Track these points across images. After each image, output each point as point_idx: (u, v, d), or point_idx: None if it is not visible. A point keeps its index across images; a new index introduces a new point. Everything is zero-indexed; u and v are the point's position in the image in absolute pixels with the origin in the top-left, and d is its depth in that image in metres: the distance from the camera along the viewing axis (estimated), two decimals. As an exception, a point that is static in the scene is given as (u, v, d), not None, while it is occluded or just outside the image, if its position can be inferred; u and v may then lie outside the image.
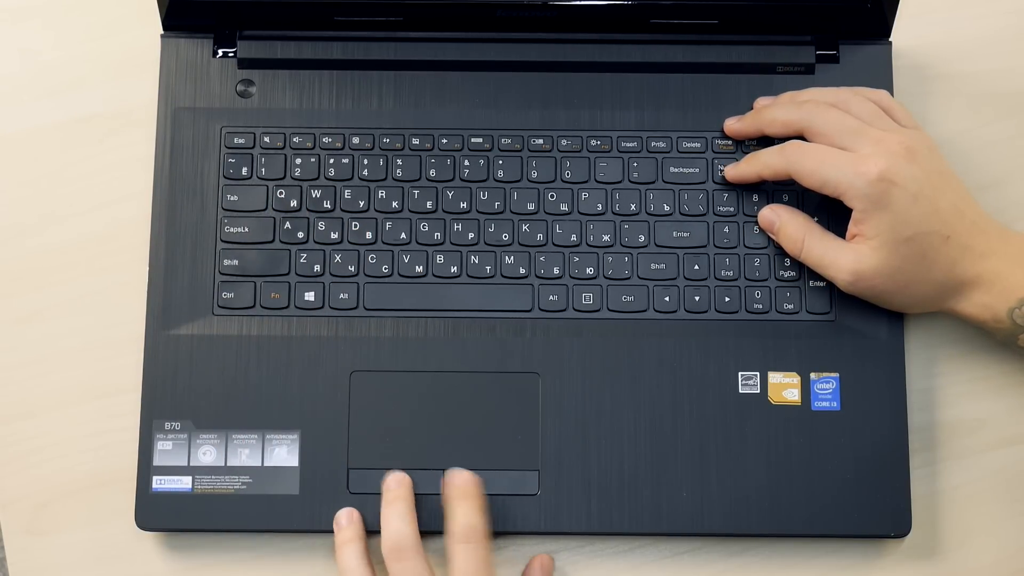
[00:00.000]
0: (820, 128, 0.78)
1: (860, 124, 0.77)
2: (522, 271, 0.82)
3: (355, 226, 0.82)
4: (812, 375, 0.80)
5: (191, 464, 0.79)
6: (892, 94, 0.84)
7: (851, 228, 0.77)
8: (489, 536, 0.76)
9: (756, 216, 0.81)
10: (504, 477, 0.79)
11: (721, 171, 0.82)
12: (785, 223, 0.80)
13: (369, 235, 0.82)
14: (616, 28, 0.84)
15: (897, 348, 0.81)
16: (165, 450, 0.79)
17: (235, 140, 0.83)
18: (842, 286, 0.78)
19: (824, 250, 0.78)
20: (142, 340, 0.81)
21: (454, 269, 0.82)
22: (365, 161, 0.83)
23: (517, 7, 0.83)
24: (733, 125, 0.82)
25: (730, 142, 0.83)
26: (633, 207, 0.83)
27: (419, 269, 0.82)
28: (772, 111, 0.80)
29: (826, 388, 0.80)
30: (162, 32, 0.85)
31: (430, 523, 0.78)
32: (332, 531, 0.79)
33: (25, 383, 0.82)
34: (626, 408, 0.80)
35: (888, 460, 0.79)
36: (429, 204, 0.83)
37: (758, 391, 0.80)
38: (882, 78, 0.84)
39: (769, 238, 0.82)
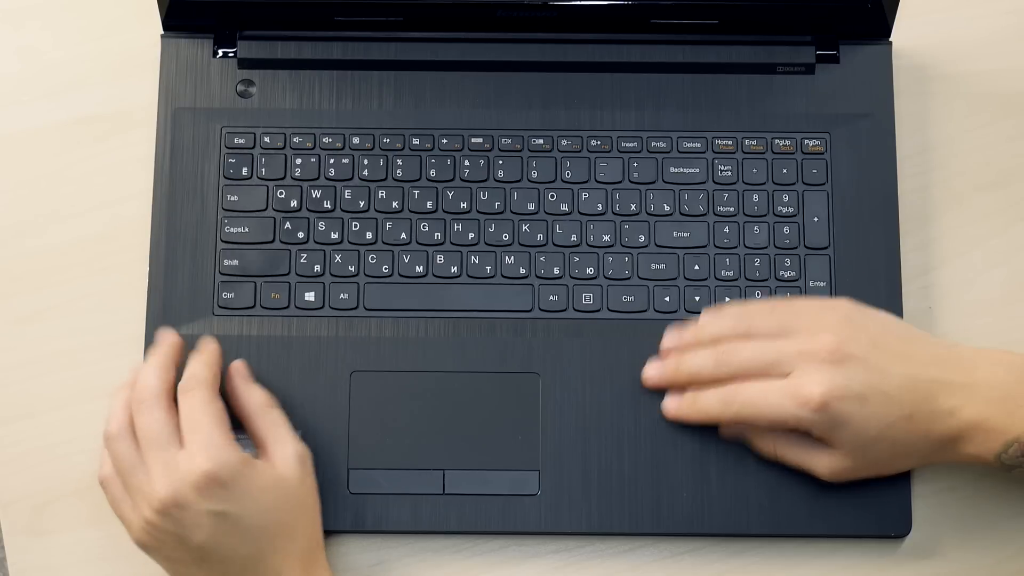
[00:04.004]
0: (744, 372, 0.75)
1: (777, 347, 0.74)
2: (522, 271, 0.82)
3: (355, 226, 0.82)
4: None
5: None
6: (892, 94, 0.84)
7: (812, 444, 0.76)
8: (211, 383, 0.75)
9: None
10: (504, 477, 0.79)
11: (662, 408, 0.79)
12: (752, 439, 0.78)
13: (369, 235, 0.82)
14: (616, 28, 0.84)
15: (897, 348, 0.81)
16: (165, 450, 0.79)
17: (235, 140, 0.83)
18: (823, 477, 0.77)
19: (799, 456, 0.77)
20: (142, 340, 0.81)
21: (454, 269, 0.82)
22: (365, 161, 0.83)
23: (517, 7, 0.83)
24: (652, 376, 0.79)
25: (730, 142, 0.83)
26: (633, 207, 0.83)
27: (419, 269, 0.82)
28: (689, 365, 0.77)
29: (826, 388, 0.80)
30: (162, 32, 0.85)
31: (433, 523, 0.78)
32: (335, 530, 0.79)
33: (25, 383, 0.82)
34: (626, 408, 0.80)
35: (888, 460, 0.79)
36: (429, 204, 0.83)
37: (758, 391, 0.80)
38: (882, 78, 0.84)
39: (770, 238, 0.82)
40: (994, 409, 0.73)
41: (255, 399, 0.77)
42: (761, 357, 0.75)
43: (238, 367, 0.78)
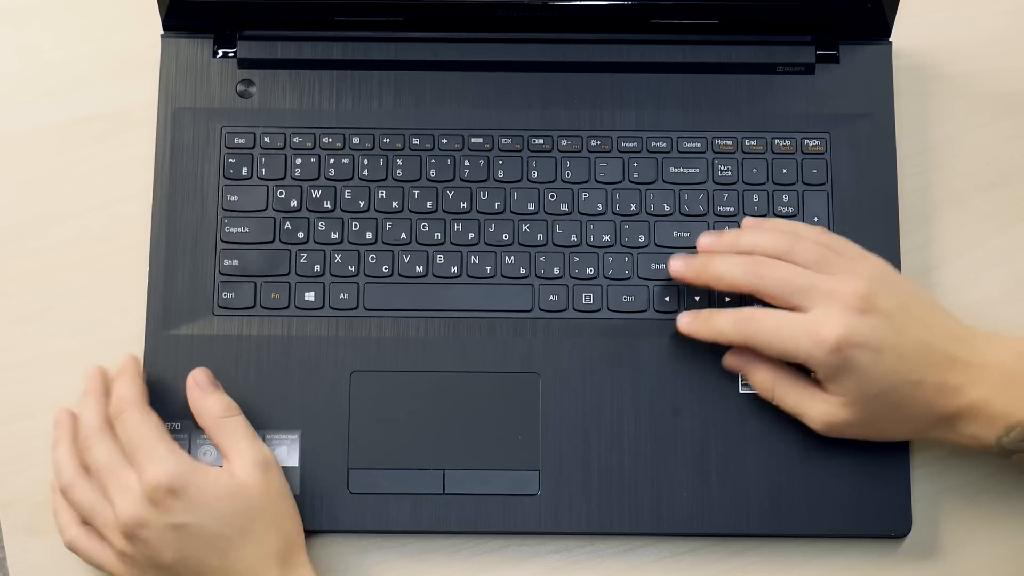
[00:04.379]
0: (769, 291, 0.75)
1: (809, 279, 0.74)
2: (522, 271, 0.82)
3: (355, 226, 0.82)
4: (812, 375, 0.80)
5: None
6: (892, 94, 0.84)
7: (816, 389, 0.76)
8: (138, 399, 0.76)
9: (724, 362, 0.79)
10: (504, 477, 0.79)
11: (676, 323, 0.79)
12: (753, 371, 0.78)
13: (369, 235, 0.82)
14: (616, 28, 0.84)
15: (897, 348, 0.81)
16: (165, 450, 0.79)
17: (235, 140, 0.83)
18: (818, 430, 0.77)
19: (797, 399, 0.76)
20: (142, 340, 0.81)
21: (454, 269, 0.82)
22: (365, 161, 0.83)
23: (517, 7, 0.83)
24: (678, 268, 0.78)
25: (730, 142, 0.83)
26: (633, 207, 0.83)
27: (419, 269, 0.82)
28: (718, 266, 0.77)
29: (826, 388, 0.80)
30: (162, 32, 0.85)
31: (433, 523, 0.78)
32: (335, 530, 0.79)
33: (25, 383, 0.82)
34: (626, 408, 0.80)
35: (888, 460, 0.79)
36: (429, 204, 0.83)
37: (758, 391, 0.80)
38: (882, 78, 0.84)
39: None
40: (999, 392, 0.73)
41: (211, 410, 0.77)
42: (791, 282, 0.74)
43: (196, 376, 0.78)
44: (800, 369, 0.76)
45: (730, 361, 0.79)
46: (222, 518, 0.73)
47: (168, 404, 0.79)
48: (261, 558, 0.73)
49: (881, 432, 0.77)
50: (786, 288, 0.74)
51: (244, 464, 0.75)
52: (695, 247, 0.79)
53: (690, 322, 0.78)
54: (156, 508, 0.72)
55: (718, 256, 0.77)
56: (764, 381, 0.77)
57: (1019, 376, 0.74)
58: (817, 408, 0.76)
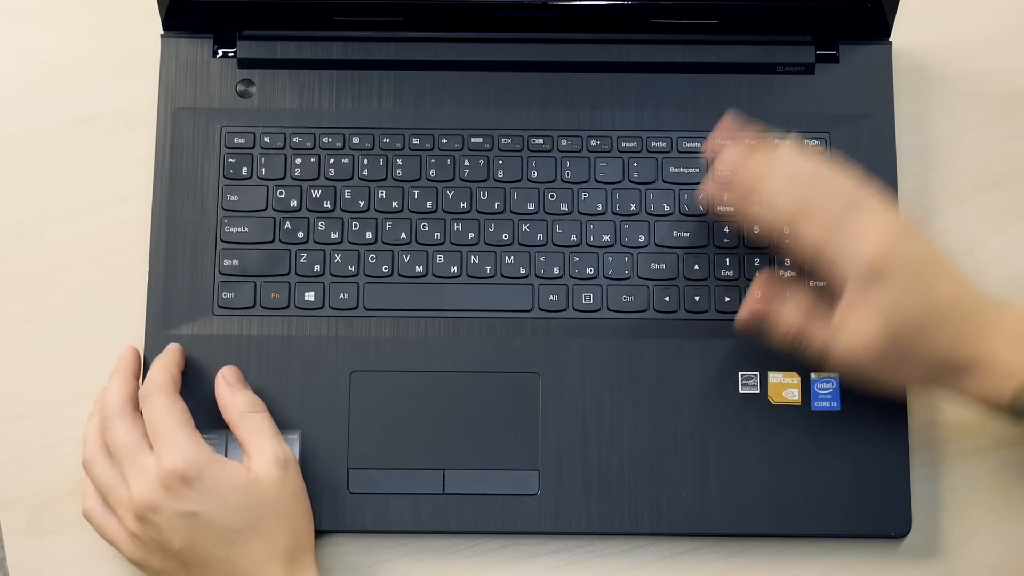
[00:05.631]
0: (815, 207, 0.74)
1: (857, 195, 0.74)
2: (522, 271, 0.82)
3: (355, 226, 0.82)
4: (812, 375, 0.80)
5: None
6: (892, 94, 0.84)
7: (845, 302, 0.73)
8: (169, 385, 0.76)
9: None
10: (504, 477, 0.79)
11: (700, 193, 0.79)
12: (781, 309, 0.76)
13: (369, 235, 0.82)
14: (616, 28, 0.84)
15: (897, 348, 0.81)
16: (165, 450, 0.79)
17: (235, 140, 0.83)
18: (835, 362, 0.75)
19: (824, 338, 0.75)
20: (142, 340, 0.81)
21: (454, 269, 0.82)
22: (365, 161, 0.83)
23: (517, 7, 0.83)
24: (710, 188, 0.79)
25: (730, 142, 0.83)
26: (633, 207, 0.83)
27: (419, 269, 0.82)
28: (763, 190, 0.75)
29: (826, 388, 0.80)
30: (162, 32, 0.85)
31: (433, 523, 0.78)
32: (335, 530, 0.79)
33: (25, 383, 0.82)
34: (626, 408, 0.80)
35: (888, 460, 0.79)
36: (429, 204, 0.83)
37: (758, 391, 0.80)
38: (882, 78, 0.84)
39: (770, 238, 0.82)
40: (1017, 350, 0.72)
41: (237, 405, 0.77)
42: (842, 194, 0.74)
43: (225, 373, 0.79)
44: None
45: (752, 308, 0.77)
46: (234, 511, 0.73)
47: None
48: (268, 555, 0.73)
49: (898, 373, 0.75)
50: (838, 200, 0.73)
51: (263, 460, 0.75)
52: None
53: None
54: (169, 494, 0.73)
55: (766, 181, 0.75)
56: (793, 315, 0.76)
57: None
58: (848, 335, 0.73)
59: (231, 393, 0.78)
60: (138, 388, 0.78)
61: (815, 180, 0.75)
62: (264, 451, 0.75)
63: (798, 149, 0.76)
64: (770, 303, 0.77)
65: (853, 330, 0.73)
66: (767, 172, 0.75)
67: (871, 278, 0.72)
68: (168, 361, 0.78)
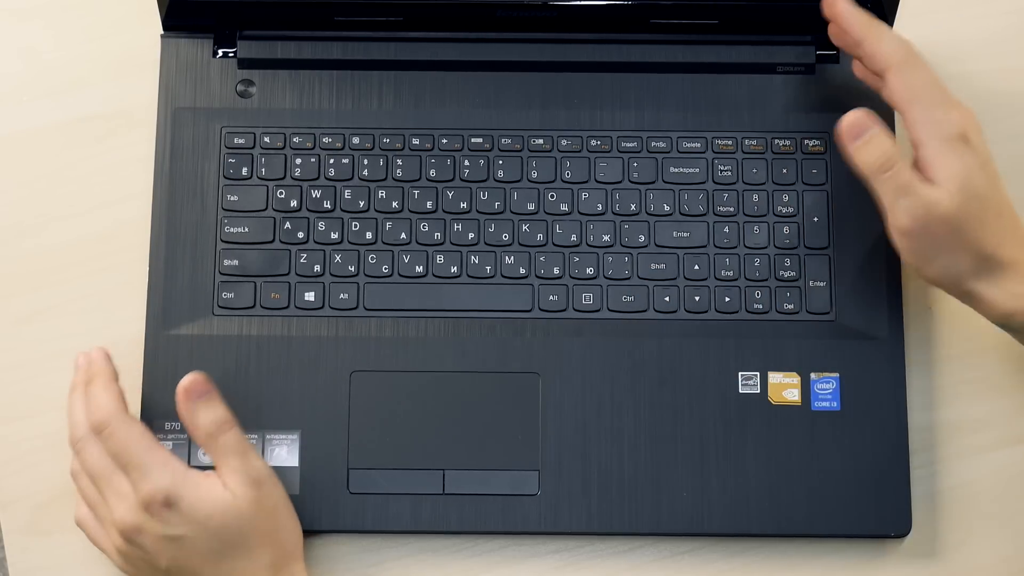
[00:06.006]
0: (913, 84, 0.75)
1: (948, 93, 0.76)
2: (522, 271, 0.82)
3: (355, 226, 0.82)
4: (812, 375, 0.80)
5: (191, 464, 0.78)
6: (892, 93, 0.84)
7: (933, 150, 0.74)
8: (116, 407, 0.74)
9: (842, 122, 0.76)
10: (504, 477, 0.79)
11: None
12: (877, 136, 0.75)
13: (369, 235, 0.82)
14: (616, 28, 0.84)
15: (897, 348, 0.81)
16: (165, 450, 0.79)
17: (235, 140, 0.83)
18: (904, 225, 0.74)
19: (911, 178, 0.74)
20: (142, 340, 0.81)
21: (454, 269, 0.82)
22: (365, 161, 0.83)
23: (517, 7, 0.83)
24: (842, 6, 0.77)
25: (730, 142, 0.83)
26: (633, 207, 0.83)
27: (419, 269, 0.82)
28: (879, 37, 0.76)
29: (826, 388, 0.80)
30: (162, 32, 0.85)
31: (433, 523, 0.79)
32: (335, 530, 0.79)
33: (25, 383, 0.82)
34: (626, 408, 0.80)
35: (888, 460, 0.79)
36: (429, 204, 0.83)
37: (758, 391, 0.80)
38: (882, 78, 0.84)
39: (770, 238, 0.82)
40: None
41: (200, 427, 0.74)
42: (936, 85, 0.75)
43: (186, 388, 0.75)
44: None
45: (856, 118, 0.75)
46: (215, 533, 0.73)
47: (167, 404, 0.79)
48: (254, 570, 0.73)
49: (951, 249, 0.74)
50: (931, 86, 0.75)
51: (235, 483, 0.74)
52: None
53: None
54: (152, 518, 0.73)
55: (882, 35, 0.76)
56: (887, 147, 0.75)
57: None
58: (929, 191, 0.73)
59: (191, 414, 0.75)
60: (111, 399, 0.75)
61: (912, 70, 0.76)
62: (234, 474, 0.74)
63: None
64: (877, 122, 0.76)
65: (938, 197, 0.73)
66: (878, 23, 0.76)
67: (960, 140, 0.74)
68: (105, 378, 0.76)
